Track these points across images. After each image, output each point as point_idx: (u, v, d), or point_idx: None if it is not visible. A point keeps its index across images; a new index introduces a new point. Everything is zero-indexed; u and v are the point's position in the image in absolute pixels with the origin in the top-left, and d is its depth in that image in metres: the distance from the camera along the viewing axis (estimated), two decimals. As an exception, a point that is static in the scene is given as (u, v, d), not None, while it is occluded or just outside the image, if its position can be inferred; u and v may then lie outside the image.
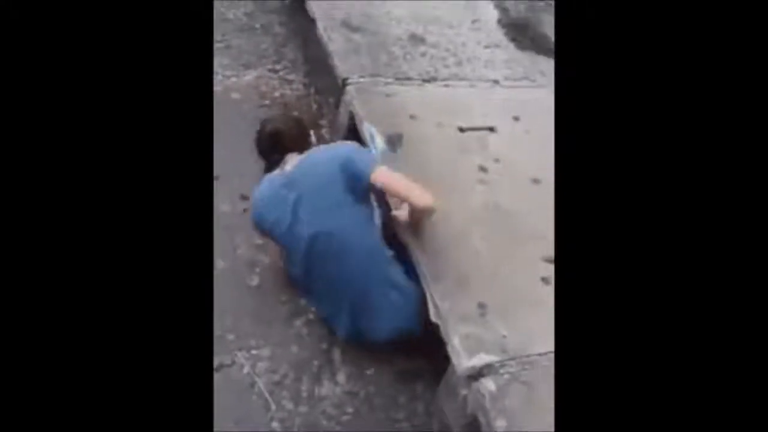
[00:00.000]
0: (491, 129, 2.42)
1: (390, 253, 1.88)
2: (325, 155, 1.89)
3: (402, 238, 1.92)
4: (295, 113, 2.70)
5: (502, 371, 1.59)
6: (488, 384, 1.56)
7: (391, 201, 1.96)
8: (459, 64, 2.82)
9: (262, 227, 1.93)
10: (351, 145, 1.94)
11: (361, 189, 1.81)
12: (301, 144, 1.97)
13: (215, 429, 1.59)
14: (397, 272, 1.86)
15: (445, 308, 1.72)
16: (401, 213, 1.92)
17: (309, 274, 1.89)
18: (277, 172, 1.93)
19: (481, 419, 1.54)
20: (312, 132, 2.10)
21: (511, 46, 3.06)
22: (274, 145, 1.96)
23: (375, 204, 1.92)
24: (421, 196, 1.77)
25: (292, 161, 1.91)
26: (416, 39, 2.91)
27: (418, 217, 1.85)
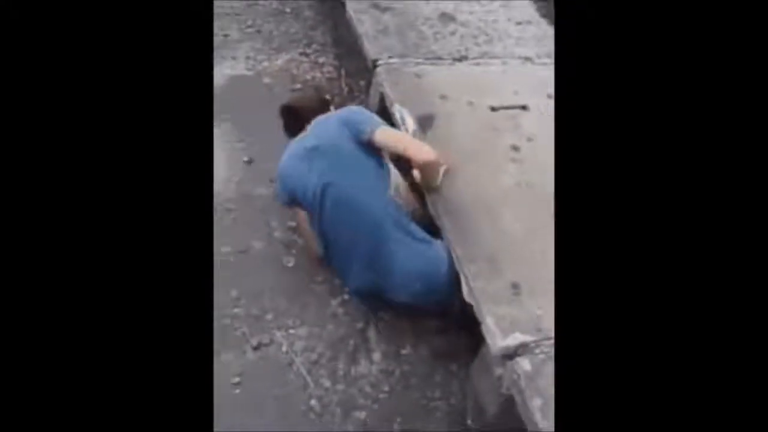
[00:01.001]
0: (524, 107, 2.39)
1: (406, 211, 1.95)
2: (333, 116, 2.00)
3: (433, 218, 1.93)
4: (327, 96, 2.73)
5: (537, 351, 1.59)
6: (523, 363, 1.56)
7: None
8: (490, 42, 2.78)
9: (286, 191, 1.98)
10: (356, 108, 2.06)
11: (366, 144, 1.90)
12: (322, 115, 2.04)
13: (256, 404, 1.68)
14: (415, 228, 1.91)
15: (479, 288, 1.73)
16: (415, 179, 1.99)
17: (326, 228, 1.92)
18: (296, 139, 2.02)
19: (517, 398, 1.55)
20: (332, 105, 2.15)
21: (543, 22, 3.00)
22: (293, 119, 2.05)
23: (390, 165, 2.01)
24: (420, 150, 1.84)
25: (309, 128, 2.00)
26: (446, 17, 2.87)
27: (427, 175, 1.90)
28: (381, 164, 1.96)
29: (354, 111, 2.03)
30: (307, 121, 2.02)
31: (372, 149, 1.92)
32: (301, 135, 2.00)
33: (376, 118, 1.98)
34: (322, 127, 1.97)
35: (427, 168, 1.88)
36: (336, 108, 2.14)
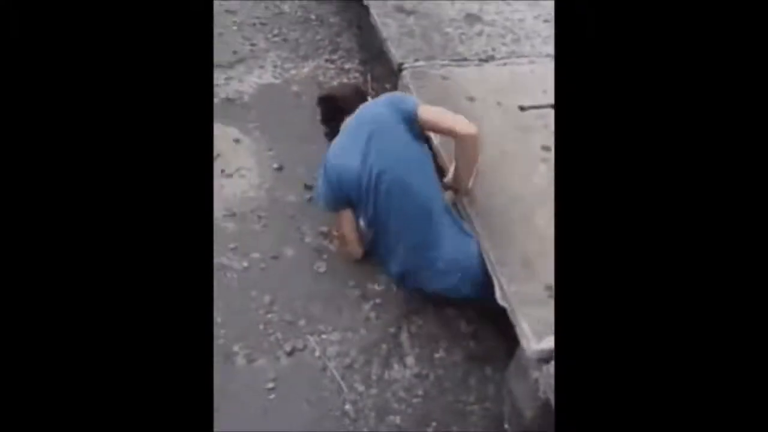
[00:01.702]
0: (553, 106, 2.36)
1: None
2: (378, 102, 2.00)
3: (467, 218, 1.92)
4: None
5: (573, 353, 1.56)
6: (560, 366, 1.54)
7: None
8: (517, 41, 2.75)
9: (335, 190, 1.95)
10: (396, 93, 2.11)
11: (413, 125, 1.92)
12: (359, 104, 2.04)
13: (291, 409, 1.68)
14: (456, 219, 1.93)
15: (512, 291, 1.70)
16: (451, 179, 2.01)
17: (377, 215, 1.93)
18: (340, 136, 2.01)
19: (554, 402, 1.52)
20: (370, 96, 2.16)
21: (572, 18, 2.95)
22: (331, 109, 2.07)
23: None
24: (467, 124, 1.88)
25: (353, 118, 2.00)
26: (472, 18, 2.86)
27: (467, 153, 1.92)
28: (428, 147, 1.99)
29: (395, 94, 2.06)
30: (345, 111, 2.02)
31: (419, 131, 1.94)
32: (345, 128, 2.00)
33: (414, 98, 2.00)
34: (370, 113, 1.97)
35: (469, 142, 1.90)
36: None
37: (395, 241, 1.95)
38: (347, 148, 1.93)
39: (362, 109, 1.99)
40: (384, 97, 2.03)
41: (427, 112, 1.92)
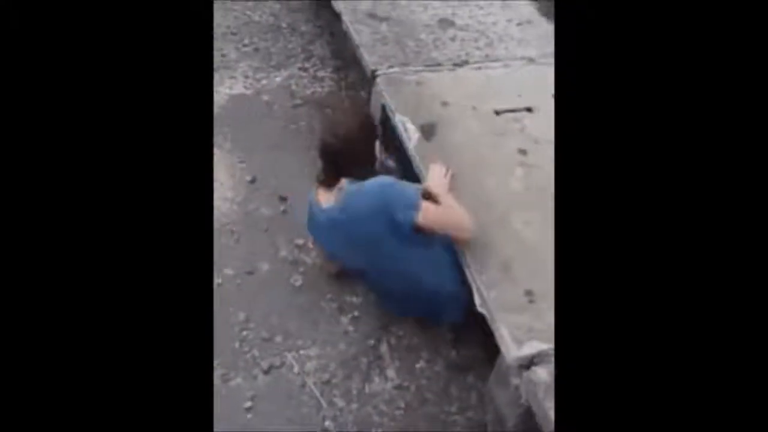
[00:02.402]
0: (528, 109, 2.34)
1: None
2: (371, 208, 1.71)
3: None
4: (327, 110, 2.71)
5: (554, 359, 1.54)
6: (540, 372, 1.51)
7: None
8: (490, 44, 2.74)
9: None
10: (388, 182, 1.74)
11: (413, 235, 1.70)
12: (361, 165, 1.82)
13: (270, 428, 1.64)
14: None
15: (491, 298, 1.68)
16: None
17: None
18: (330, 203, 1.81)
19: (535, 409, 1.49)
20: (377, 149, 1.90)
21: (544, 21, 2.95)
22: (332, 165, 1.80)
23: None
24: (468, 227, 1.74)
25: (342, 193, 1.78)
26: (445, 23, 2.84)
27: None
28: (436, 245, 1.78)
29: (390, 189, 1.72)
30: (348, 168, 1.78)
31: (420, 235, 1.72)
32: (331, 203, 1.79)
33: (412, 192, 1.72)
34: (363, 231, 1.73)
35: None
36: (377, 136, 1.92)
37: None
38: (338, 254, 1.92)
39: (353, 214, 1.74)
40: (377, 194, 1.71)
41: (428, 218, 1.68)
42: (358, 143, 1.80)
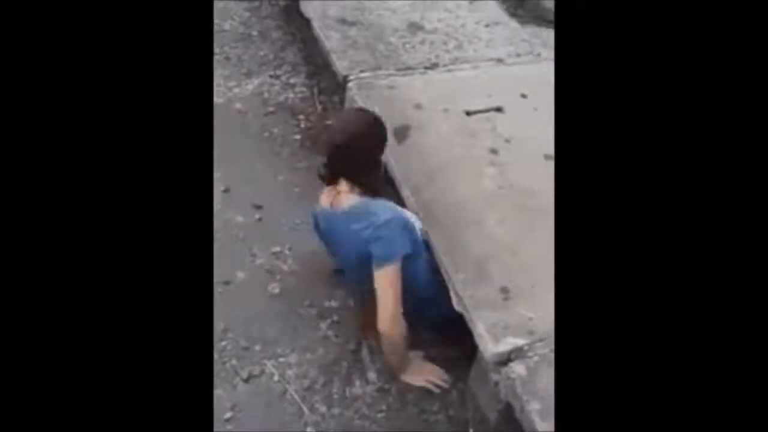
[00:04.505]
0: (499, 109, 2.37)
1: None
2: (354, 232, 1.71)
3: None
4: (300, 116, 2.71)
5: (530, 354, 1.56)
6: (518, 368, 1.53)
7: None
8: (460, 47, 2.77)
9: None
10: (384, 221, 1.68)
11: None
12: (362, 172, 1.79)
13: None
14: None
15: (467, 296, 1.69)
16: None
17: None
18: (327, 207, 1.83)
19: (515, 404, 1.51)
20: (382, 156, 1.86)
21: (512, 21, 3.00)
22: (332, 166, 1.78)
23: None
24: (389, 321, 1.68)
25: (342, 202, 1.77)
26: (414, 27, 2.87)
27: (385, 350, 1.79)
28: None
29: (381, 235, 1.67)
30: (355, 173, 1.76)
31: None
32: (333, 204, 1.79)
33: (399, 245, 1.69)
34: (355, 253, 1.73)
35: (385, 339, 1.72)
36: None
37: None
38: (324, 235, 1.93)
39: (348, 240, 1.75)
40: (368, 228, 1.69)
41: (380, 281, 1.68)
42: (367, 143, 1.76)
